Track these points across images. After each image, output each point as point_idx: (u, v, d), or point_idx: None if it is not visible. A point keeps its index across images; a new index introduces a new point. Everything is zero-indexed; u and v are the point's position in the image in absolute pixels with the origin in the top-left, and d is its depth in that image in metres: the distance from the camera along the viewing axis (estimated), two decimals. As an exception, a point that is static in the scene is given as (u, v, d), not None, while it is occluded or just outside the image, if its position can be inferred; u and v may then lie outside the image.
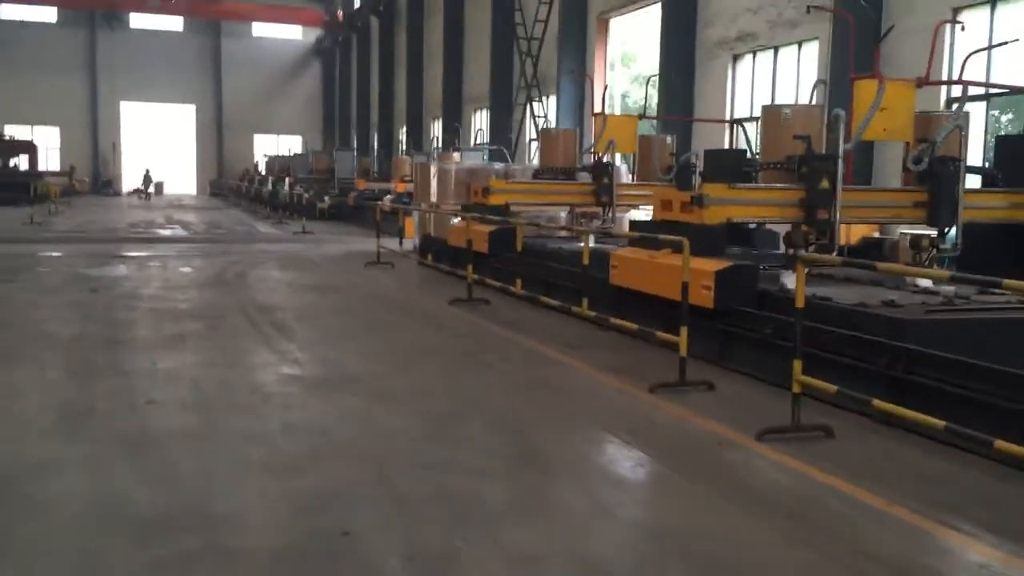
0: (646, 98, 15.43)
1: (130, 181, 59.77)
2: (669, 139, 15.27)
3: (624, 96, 33.84)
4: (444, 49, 38.08)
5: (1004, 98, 14.91)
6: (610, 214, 14.41)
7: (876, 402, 5.22)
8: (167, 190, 59.73)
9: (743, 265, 8.10)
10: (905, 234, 12.23)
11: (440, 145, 35.92)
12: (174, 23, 60.69)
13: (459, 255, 14.45)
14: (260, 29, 62.40)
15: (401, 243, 16.04)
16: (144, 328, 9.52)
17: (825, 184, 8.57)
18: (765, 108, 9.50)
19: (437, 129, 40.73)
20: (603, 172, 14.11)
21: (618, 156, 14.60)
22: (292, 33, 63.30)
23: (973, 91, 10.77)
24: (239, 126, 62.34)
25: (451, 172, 18.28)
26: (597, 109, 15.49)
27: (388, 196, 25.59)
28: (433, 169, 18.67)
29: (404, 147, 42.03)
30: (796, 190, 8.72)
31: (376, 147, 48.41)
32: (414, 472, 4.95)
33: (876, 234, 14.15)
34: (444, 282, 13.86)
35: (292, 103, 63.65)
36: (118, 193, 56.91)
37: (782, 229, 10.03)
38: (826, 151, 8.74)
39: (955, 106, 9.17)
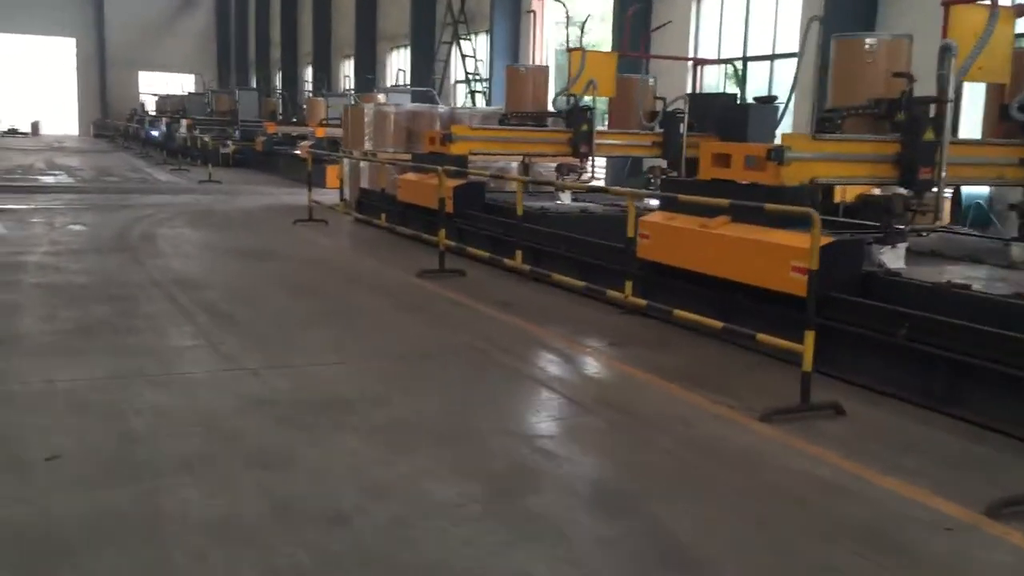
0: (622, 32, 13.36)
1: (2, 120, 54.74)
2: (652, 80, 13.33)
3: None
4: (357, -20, 35.14)
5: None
6: (589, 166, 12.45)
7: None
8: (45, 131, 54.98)
9: (846, 240, 6.26)
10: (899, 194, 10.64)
11: (353, 86, 33.24)
12: (49, -54, 55.34)
13: (409, 213, 12.32)
14: (147, -44, 57.56)
15: (342, 197, 13.64)
16: (31, 316, 7.14)
17: (930, 135, 6.77)
18: (837, 39, 7.61)
19: (348, 69, 37.85)
20: (582, 118, 12.09)
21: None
22: (182, -39, 58.72)
23: None
24: (125, 62, 57.63)
25: (390, 115, 15.97)
26: (570, 44, 13.28)
27: (306, 142, 22.98)
28: (368, 112, 16.30)
29: (311, 88, 39.00)
30: (892, 143, 6.90)
31: (280, 88, 45.13)
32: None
33: (876, 191, 12.61)
34: (396, 246, 11.69)
35: (183, 39, 59.16)
36: (-10, 134, 51.92)
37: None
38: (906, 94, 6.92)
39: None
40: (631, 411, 5.17)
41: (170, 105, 39.28)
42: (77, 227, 12.83)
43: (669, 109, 12.65)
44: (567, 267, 8.76)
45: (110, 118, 53.59)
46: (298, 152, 23.46)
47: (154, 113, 41.51)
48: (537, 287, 8.92)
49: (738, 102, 13.18)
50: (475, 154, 12.08)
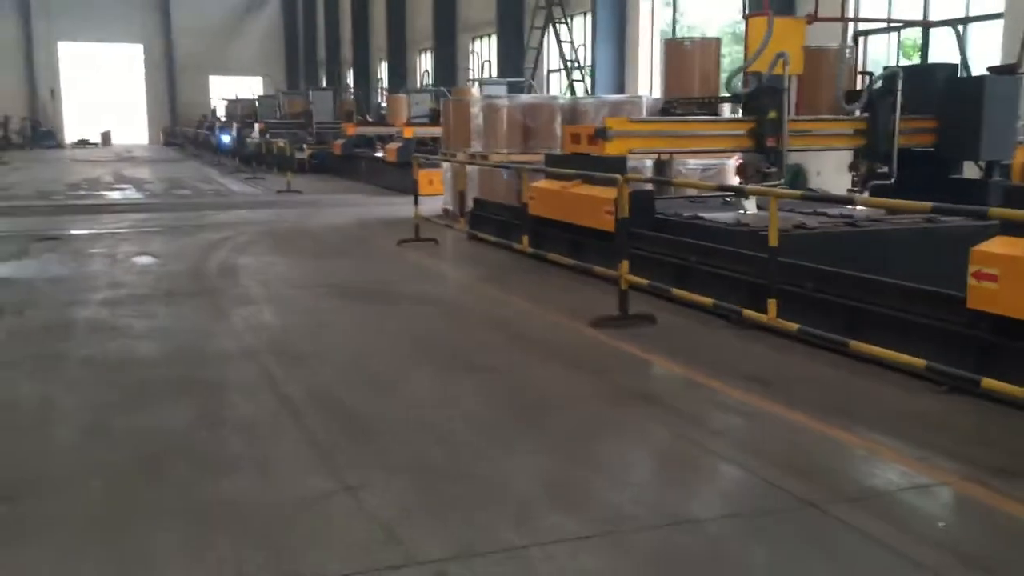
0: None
1: (73, 131, 53.76)
2: (849, 51, 10.55)
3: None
4: (434, -34, 32.73)
5: None
6: (776, 166, 9.70)
7: None
8: (116, 140, 53.83)
9: None
10: None
11: (432, 81, 30.83)
12: (114, -49, 54.03)
13: (546, 231, 9.73)
14: (211, -43, 55.99)
15: (463, 209, 10.96)
16: (68, 430, 4.72)
17: None
18: None
19: (426, 63, 35.51)
20: (771, 102, 9.38)
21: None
22: (247, -39, 57.07)
23: None
24: (193, 67, 56.27)
25: (502, 110, 13.48)
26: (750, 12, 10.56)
27: (393, 143, 20.59)
28: (475, 107, 13.81)
29: (387, 85, 36.77)
30: None
31: (352, 87, 43.04)
32: None
33: None
34: (534, 274, 9.12)
35: (250, 40, 57.65)
36: (60, 145, 50.82)
37: None
38: None
39: None
40: None
41: (240, 109, 37.51)
42: (144, 259, 10.54)
43: (880, 87, 9.85)
44: (828, 318, 6.07)
45: (179, 125, 52.25)
46: (381, 155, 21.12)
47: (224, 118, 39.79)
48: (771, 343, 6.26)
49: (963, 74, 10.31)
50: (635, 154, 9.50)
